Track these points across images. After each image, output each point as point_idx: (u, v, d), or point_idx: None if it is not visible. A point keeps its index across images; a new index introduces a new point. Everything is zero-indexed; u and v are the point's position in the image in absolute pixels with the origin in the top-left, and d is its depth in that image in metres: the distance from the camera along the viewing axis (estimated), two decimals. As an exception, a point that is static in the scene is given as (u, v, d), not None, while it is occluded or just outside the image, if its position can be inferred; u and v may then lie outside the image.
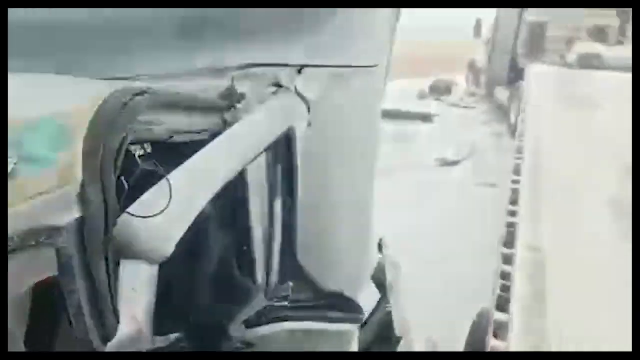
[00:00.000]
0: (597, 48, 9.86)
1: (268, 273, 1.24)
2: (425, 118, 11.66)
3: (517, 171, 3.23)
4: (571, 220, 2.54)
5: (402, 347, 2.33)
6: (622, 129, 4.88)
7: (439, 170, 8.10)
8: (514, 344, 1.53)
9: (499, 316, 1.71)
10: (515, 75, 10.95)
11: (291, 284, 1.26)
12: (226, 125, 1.03)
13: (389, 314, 2.51)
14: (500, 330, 1.66)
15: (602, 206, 2.78)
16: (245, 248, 1.16)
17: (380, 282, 2.87)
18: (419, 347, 3.65)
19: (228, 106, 1.06)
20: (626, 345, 1.64)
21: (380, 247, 3.11)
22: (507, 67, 11.66)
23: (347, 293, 1.36)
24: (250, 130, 0.98)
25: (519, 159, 3.45)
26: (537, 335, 1.58)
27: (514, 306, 1.72)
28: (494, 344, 1.58)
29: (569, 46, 10.58)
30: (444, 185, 7.16)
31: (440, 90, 14.79)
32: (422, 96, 14.68)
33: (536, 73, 8.98)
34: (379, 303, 2.73)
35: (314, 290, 1.30)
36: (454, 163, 8.21)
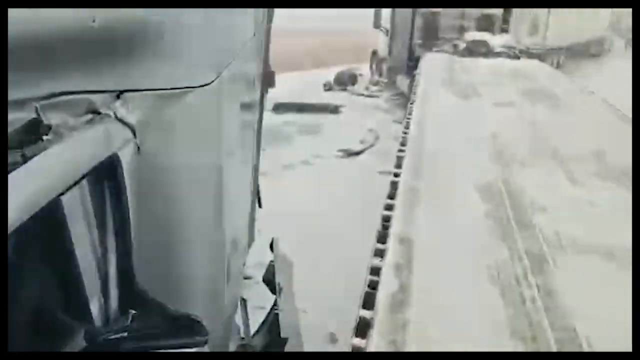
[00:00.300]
0: (484, 36, 10.50)
1: (105, 305, 1.20)
2: (332, 109, 11.84)
3: (398, 164, 3.37)
4: (443, 210, 2.69)
5: (290, 347, 2.36)
6: (500, 115, 5.24)
7: (342, 161, 8.27)
8: (374, 340, 1.59)
9: (363, 313, 1.77)
10: (415, 63, 11.39)
11: (132, 312, 1.23)
12: (27, 160, 0.97)
13: (277, 316, 2.54)
14: (366, 327, 1.72)
15: (474, 195, 2.96)
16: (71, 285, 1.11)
17: (272, 283, 2.89)
18: (318, 343, 3.74)
19: (32, 140, 1.00)
20: (489, 340, 1.75)
21: (272, 248, 3.13)
22: (406, 56, 12.10)
23: (200, 313, 1.35)
24: (51, 163, 0.93)
25: (401, 151, 3.60)
26: (398, 331, 1.65)
27: (379, 302, 1.79)
28: (353, 342, 1.64)
29: (460, 35, 11.17)
30: (346, 176, 7.32)
31: (344, 80, 15.06)
32: (328, 87, 14.88)
33: (429, 61, 9.42)
34: (272, 307, 2.75)
35: (160, 315, 1.28)
36: (357, 153, 8.42)
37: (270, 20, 2.77)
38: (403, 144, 3.78)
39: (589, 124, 5.12)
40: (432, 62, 9.07)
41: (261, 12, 2.37)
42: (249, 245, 3.08)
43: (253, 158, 2.91)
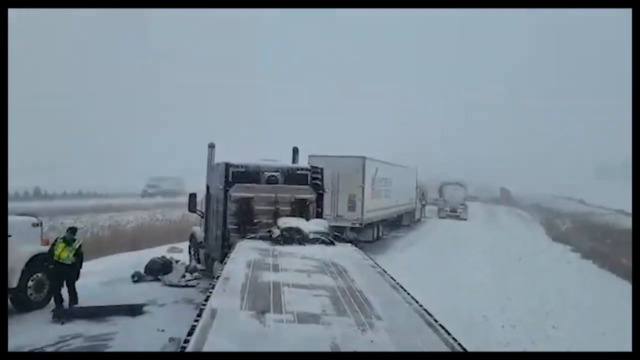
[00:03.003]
0: (298, 222, 10.02)
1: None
2: (134, 310, 9.93)
3: None
4: None
5: None
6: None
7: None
8: None
9: None
10: (229, 250, 10.39)
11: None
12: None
13: None
14: None
15: None
16: None
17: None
18: None
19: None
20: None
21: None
22: (220, 242, 11.12)
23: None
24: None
25: None
26: None
27: None
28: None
29: (275, 219, 10.62)
30: None
31: (157, 268, 13.38)
32: (136, 278, 13.00)
33: (240, 249, 8.53)
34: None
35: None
36: (148, 380, 6.60)
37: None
38: None
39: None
40: (243, 251, 8.18)
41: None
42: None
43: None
